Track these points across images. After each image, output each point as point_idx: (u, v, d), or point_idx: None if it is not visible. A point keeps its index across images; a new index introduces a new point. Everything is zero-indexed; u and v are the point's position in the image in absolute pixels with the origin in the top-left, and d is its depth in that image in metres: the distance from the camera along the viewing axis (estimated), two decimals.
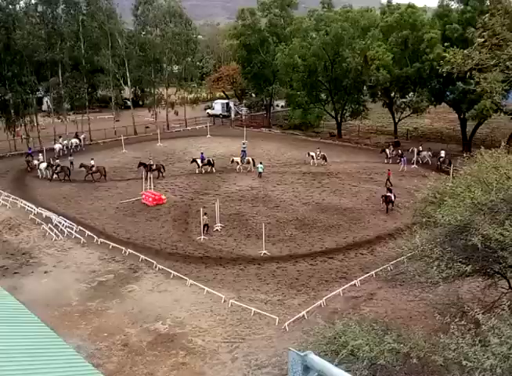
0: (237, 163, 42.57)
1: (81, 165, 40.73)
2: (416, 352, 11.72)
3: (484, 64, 15.73)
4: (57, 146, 49.37)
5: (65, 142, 51.19)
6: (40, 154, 44.84)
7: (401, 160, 42.68)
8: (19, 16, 49.76)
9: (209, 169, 42.33)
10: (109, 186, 39.30)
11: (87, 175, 40.29)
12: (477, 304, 14.31)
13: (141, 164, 41.08)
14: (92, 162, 41.34)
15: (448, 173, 38.62)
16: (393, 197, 33.32)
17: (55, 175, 40.77)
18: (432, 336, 12.44)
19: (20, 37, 47.62)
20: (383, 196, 33.32)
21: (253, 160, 42.96)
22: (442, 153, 43.26)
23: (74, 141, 51.60)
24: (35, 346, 9.90)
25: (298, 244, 28.23)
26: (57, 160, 42.12)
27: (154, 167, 41.01)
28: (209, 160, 42.69)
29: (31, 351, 9.61)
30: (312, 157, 43.67)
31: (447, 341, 10.78)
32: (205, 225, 29.68)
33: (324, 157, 43.70)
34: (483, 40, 14.38)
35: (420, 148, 45.12)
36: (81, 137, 53.01)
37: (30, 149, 47.53)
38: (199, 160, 42.49)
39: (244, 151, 45.20)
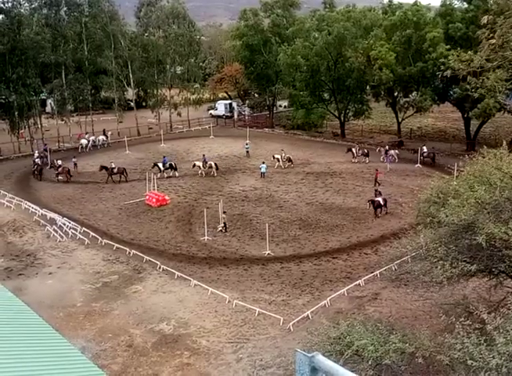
0: (199, 167, 41.38)
1: (102, 167, 40.73)
2: (422, 352, 11.68)
3: (487, 66, 15.66)
4: (83, 142, 52.06)
5: (92, 138, 53.20)
6: (36, 152, 45.96)
7: (385, 160, 42.82)
8: (24, 18, 49.87)
9: (171, 173, 41.22)
10: (112, 187, 39.38)
11: (108, 177, 40.22)
12: (483, 303, 14.25)
13: (102, 167, 40.85)
14: (113, 164, 41.39)
15: (431, 166, 40.95)
16: (381, 201, 31.98)
17: (59, 176, 40.79)
18: (437, 336, 12.40)
19: (26, 38, 47.76)
20: (369, 200, 32.39)
21: (216, 164, 41.84)
22: (425, 149, 44.48)
23: (102, 138, 53.74)
24: (40, 347, 9.92)
25: (302, 244, 28.19)
26: (59, 161, 42.13)
27: (116, 170, 40.50)
28: (171, 164, 41.54)
29: (36, 352, 9.62)
30: (278, 159, 42.94)
31: (452, 340, 10.74)
32: (224, 223, 30.06)
33: (289, 159, 42.85)
34: (494, 41, 14.29)
35: (387, 147, 45.32)
36: (108, 134, 54.98)
37: (45, 144, 49.25)
38: (160, 164, 41.25)
39: (204, 156, 43.54)
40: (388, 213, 32.13)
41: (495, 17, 15.20)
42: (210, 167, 41.73)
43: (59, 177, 40.83)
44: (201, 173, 41.37)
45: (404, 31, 47.05)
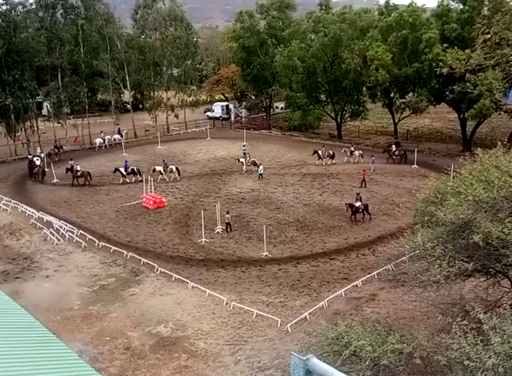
0: (159, 172, 40.66)
1: (116, 170, 40.82)
2: (419, 353, 11.69)
3: (484, 64, 15.69)
4: (98, 141, 53.37)
5: (107, 137, 54.44)
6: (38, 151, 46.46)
7: (372, 161, 42.81)
8: (20, 21, 49.78)
9: (133, 179, 40.13)
10: (109, 189, 39.31)
11: (73, 179, 40.08)
12: (480, 303, 14.30)
13: (68, 169, 40.91)
14: (78, 167, 41.35)
15: (400, 162, 42.80)
16: (361, 206, 31.21)
17: (78, 180, 40.30)
18: (435, 336, 12.41)
19: (22, 41, 47.66)
20: (347, 204, 31.84)
21: (177, 168, 41.00)
22: (394, 147, 45.30)
23: (117, 137, 55.07)
24: (37, 351, 9.87)
25: (299, 245, 28.20)
26: (78, 166, 41.45)
27: (79, 174, 40.34)
28: (133, 169, 40.63)
29: (33, 356, 9.58)
30: (242, 163, 42.79)
31: (449, 341, 10.75)
32: (227, 223, 30.14)
33: (254, 163, 42.31)
34: (489, 36, 14.29)
35: (352, 148, 45.52)
36: (123, 133, 56.14)
37: (55, 142, 50.54)
38: (122, 169, 40.56)
39: (164, 160, 42.64)
40: (372, 219, 31.36)
41: (492, 14, 15.23)
42: (171, 171, 40.74)
43: (78, 181, 40.26)
44: (162, 178, 40.37)
45: (400, 32, 47.17)
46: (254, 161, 42.68)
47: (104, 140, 53.85)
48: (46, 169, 42.47)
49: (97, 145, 53.22)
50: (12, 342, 9.98)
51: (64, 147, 51.92)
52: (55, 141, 51.01)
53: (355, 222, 31.05)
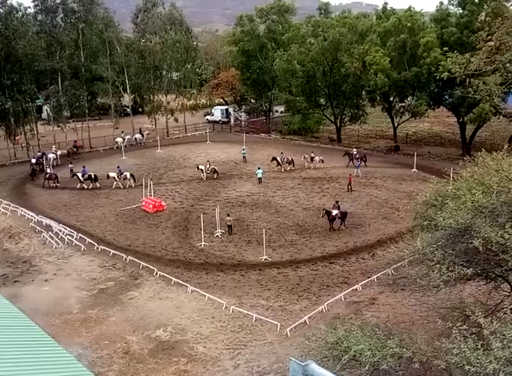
0: (114, 179, 40.12)
1: (198, 167, 41.96)
2: (419, 357, 11.66)
3: (483, 69, 15.72)
4: (119, 140, 54.63)
5: (127, 136, 55.74)
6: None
7: (357, 166, 42.52)
8: (19, 25, 49.85)
9: (90, 185, 39.94)
10: (109, 193, 39.29)
11: (81, 183, 40.23)
12: (480, 307, 14.24)
13: (32, 172, 41.58)
14: (48, 170, 41.89)
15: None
16: (338, 214, 30.44)
17: (81, 184, 40.31)
18: (435, 340, 12.37)
19: (21, 46, 47.67)
20: (324, 209, 31.22)
21: (132, 175, 40.31)
22: (354, 151, 45.49)
23: (138, 136, 56.59)
24: (36, 355, 9.85)
25: (299, 249, 28.17)
26: (88, 171, 41.49)
27: (48, 176, 40.58)
28: (90, 176, 40.25)
29: (32, 360, 9.56)
30: (202, 170, 41.99)
31: (449, 345, 10.73)
32: (229, 226, 30.26)
33: (215, 171, 41.98)
34: (493, 43, 14.35)
35: (312, 154, 45.24)
36: (145, 133, 57.60)
37: (75, 141, 52.48)
38: (79, 174, 40.35)
39: (118, 167, 41.82)
40: (345, 228, 30.61)
41: (492, 19, 15.28)
42: (125, 178, 40.20)
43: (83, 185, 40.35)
44: (116, 185, 39.96)
45: (398, 37, 47.30)
46: (214, 169, 42.24)
47: (124, 139, 54.93)
48: (48, 170, 42.35)
49: (118, 144, 54.13)
50: (11, 346, 9.95)
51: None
52: (75, 141, 52.68)
53: (331, 230, 30.37)
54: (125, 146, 53.61)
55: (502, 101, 40.03)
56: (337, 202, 32.02)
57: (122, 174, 40.52)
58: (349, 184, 38.13)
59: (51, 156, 47.53)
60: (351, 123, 57.94)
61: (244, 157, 47.02)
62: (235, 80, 74.37)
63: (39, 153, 47.40)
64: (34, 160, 43.57)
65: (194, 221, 32.55)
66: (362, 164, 43.58)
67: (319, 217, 31.71)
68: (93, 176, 40.42)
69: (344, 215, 30.86)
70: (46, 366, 9.50)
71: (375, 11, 61.57)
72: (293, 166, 44.19)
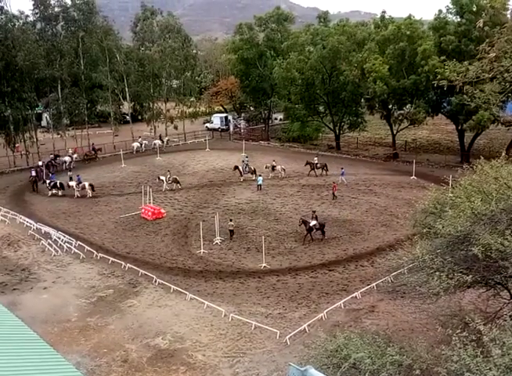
0: (73, 188, 40.17)
1: (159, 178, 41.79)
2: (419, 365, 11.61)
3: (481, 77, 15.82)
4: (135, 145, 56.06)
5: (144, 142, 56.92)
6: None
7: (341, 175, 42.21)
8: (18, 33, 50.07)
9: (59, 192, 40.38)
10: (108, 200, 39.29)
11: (49, 190, 40.53)
12: (479, 315, 14.22)
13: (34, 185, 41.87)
14: (33, 172, 42.61)
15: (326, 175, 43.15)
16: (316, 225, 29.81)
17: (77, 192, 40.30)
18: (434, 348, 12.34)
19: (21, 56, 47.80)
20: (302, 219, 30.70)
21: (91, 185, 40.21)
22: (315, 160, 45.43)
23: (157, 142, 57.07)
24: (34, 363, 9.81)
25: (298, 256, 28.13)
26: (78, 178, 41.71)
27: (51, 184, 40.85)
28: (55, 183, 40.75)
29: (30, 368, 9.52)
30: (162, 180, 41.41)
31: (449, 352, 10.69)
32: (231, 230, 30.37)
33: (176, 181, 41.34)
34: (494, 55, 14.47)
35: (274, 163, 44.96)
36: (165, 139, 58.65)
37: (93, 144, 54.07)
38: (48, 181, 41.10)
39: (78, 176, 42.33)
40: (324, 240, 29.88)
41: (490, 28, 15.42)
42: (83, 188, 40.12)
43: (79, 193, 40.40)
44: (76, 195, 39.93)
45: (397, 45, 47.57)
46: (176, 179, 41.31)
47: (141, 144, 56.39)
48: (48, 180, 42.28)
49: (134, 149, 55.70)
50: (9, 354, 9.91)
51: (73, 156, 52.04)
52: (93, 143, 54.28)
53: (306, 241, 29.64)
54: (143, 151, 54.77)
55: (500, 109, 40.21)
56: (314, 212, 31.36)
57: (81, 183, 40.68)
58: (333, 192, 38.05)
59: (67, 159, 49.40)
60: (350, 130, 58.14)
61: (247, 165, 46.66)
62: (234, 88, 74.70)
63: (49, 157, 48.84)
64: (34, 173, 43.19)
65: (193, 228, 32.53)
66: (334, 173, 42.78)
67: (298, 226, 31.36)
68: (58, 184, 40.79)
69: (322, 226, 30.28)
70: (45, 375, 9.45)
71: (373, 19, 61.97)
72: (256, 175, 43.13)
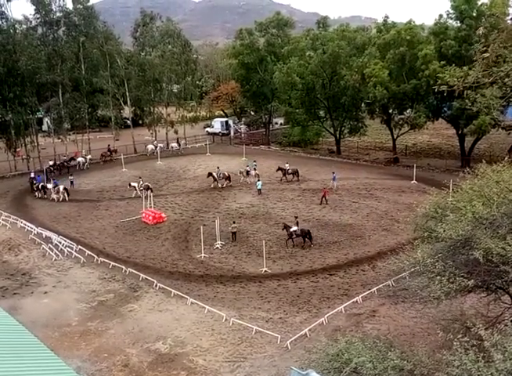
0: (50, 190, 40.68)
1: (130, 185, 41.25)
2: (420, 369, 11.60)
3: (481, 82, 15.87)
4: (150, 147, 57.41)
5: (160, 145, 58.16)
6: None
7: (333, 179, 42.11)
8: (20, 39, 50.23)
9: (40, 195, 40.90)
10: (109, 205, 39.31)
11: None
12: (481, 319, 14.21)
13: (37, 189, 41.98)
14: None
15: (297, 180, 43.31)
16: (295, 230, 29.58)
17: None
18: (436, 352, 12.32)
19: (23, 61, 47.90)
20: (284, 223, 30.95)
21: (65, 189, 40.43)
22: (287, 166, 45.72)
23: (174, 145, 59.30)
24: (35, 367, 9.80)
25: (299, 261, 28.10)
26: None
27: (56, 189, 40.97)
28: (37, 186, 41.23)
29: (31, 372, 9.50)
30: (134, 187, 40.90)
31: (450, 357, 10.66)
32: (233, 233, 30.67)
33: (148, 188, 40.32)
34: (488, 55, 14.49)
35: (248, 168, 44.72)
36: (182, 143, 60.21)
37: (109, 145, 55.60)
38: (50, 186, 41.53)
39: (54, 180, 42.77)
40: (312, 246, 29.58)
41: (489, 32, 15.46)
42: (58, 192, 40.46)
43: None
44: (52, 198, 40.54)
45: (397, 49, 47.68)
46: (148, 186, 40.33)
47: (156, 147, 57.40)
48: (49, 186, 42.24)
49: (149, 151, 57.06)
50: (10, 359, 9.90)
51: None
52: (109, 145, 55.85)
53: (288, 246, 29.65)
54: (160, 152, 55.54)
55: (501, 114, 40.22)
56: (296, 218, 31.43)
57: (56, 187, 40.94)
58: (323, 197, 37.89)
59: (80, 160, 51.14)
60: (351, 135, 58.18)
61: (255, 169, 46.69)
62: (235, 92, 74.91)
63: (62, 159, 51.02)
64: (37, 178, 43.29)
65: (194, 232, 32.52)
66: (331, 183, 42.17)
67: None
68: (40, 187, 41.39)
69: (304, 233, 29.79)
70: None
71: (375, 24, 62.08)
72: (230, 182, 43.20)
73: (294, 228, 30.11)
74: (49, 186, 41.23)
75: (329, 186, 41.04)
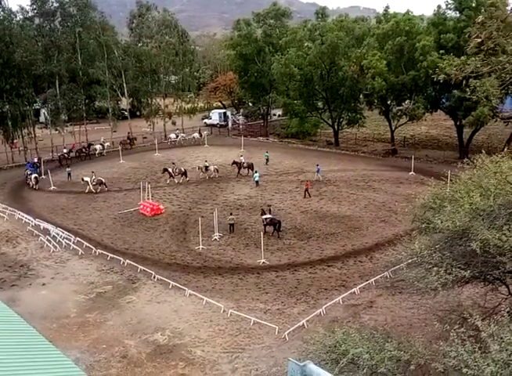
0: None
1: (83, 180, 40.47)
2: (417, 360, 11.66)
3: (479, 71, 15.82)
4: (172, 135, 59.10)
5: (181, 134, 59.87)
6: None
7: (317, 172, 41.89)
8: (17, 30, 49.81)
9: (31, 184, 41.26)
10: (106, 196, 39.25)
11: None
12: (477, 310, 14.27)
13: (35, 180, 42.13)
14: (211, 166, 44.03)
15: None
16: (265, 217, 29.77)
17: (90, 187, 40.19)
18: (432, 343, 12.40)
19: (19, 52, 47.55)
20: (261, 208, 31.03)
21: (35, 178, 40.86)
22: (242, 159, 45.24)
23: (196, 135, 60.15)
24: (33, 359, 9.82)
25: (297, 252, 28.16)
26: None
27: (95, 182, 40.86)
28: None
29: (29, 364, 9.53)
30: (87, 182, 39.89)
31: (447, 348, 10.72)
32: (231, 224, 30.66)
33: (101, 183, 39.95)
34: (480, 40, 14.44)
35: (206, 164, 44.18)
36: (204, 133, 60.92)
37: (128, 133, 57.10)
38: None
39: (27, 169, 43.33)
40: (279, 238, 29.58)
41: (487, 20, 15.40)
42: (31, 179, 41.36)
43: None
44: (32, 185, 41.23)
45: (396, 40, 47.44)
46: (101, 180, 40.07)
47: (177, 136, 59.28)
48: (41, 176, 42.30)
49: (171, 140, 58.95)
50: (9, 350, 9.92)
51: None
52: (128, 132, 57.71)
53: (264, 234, 29.33)
54: (176, 143, 57.27)
55: (500, 103, 40.12)
56: (269, 206, 31.35)
57: (32, 174, 41.63)
58: (306, 190, 37.65)
59: (97, 146, 52.35)
60: (349, 126, 58.07)
61: (267, 159, 46.98)
62: (233, 83, 74.62)
63: (81, 145, 52.33)
64: (27, 165, 43.44)
65: (192, 224, 32.53)
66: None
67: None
68: (33, 178, 41.50)
69: (274, 224, 29.82)
70: (44, 371, 9.47)
71: (376, 14, 61.73)
72: (186, 177, 42.53)
73: (267, 215, 30.34)
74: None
75: (315, 179, 40.91)
